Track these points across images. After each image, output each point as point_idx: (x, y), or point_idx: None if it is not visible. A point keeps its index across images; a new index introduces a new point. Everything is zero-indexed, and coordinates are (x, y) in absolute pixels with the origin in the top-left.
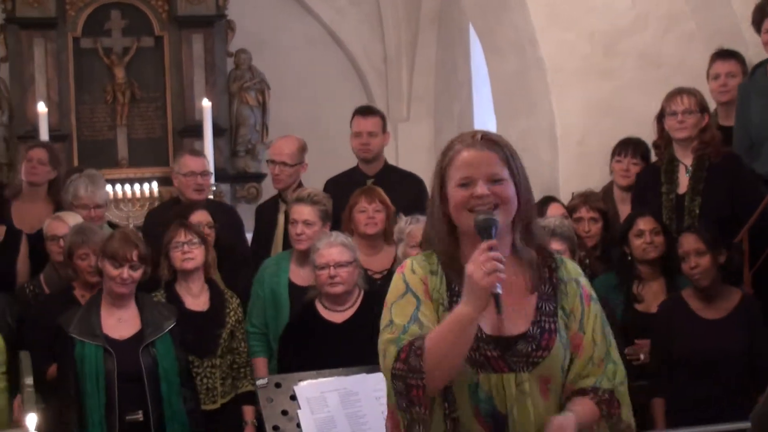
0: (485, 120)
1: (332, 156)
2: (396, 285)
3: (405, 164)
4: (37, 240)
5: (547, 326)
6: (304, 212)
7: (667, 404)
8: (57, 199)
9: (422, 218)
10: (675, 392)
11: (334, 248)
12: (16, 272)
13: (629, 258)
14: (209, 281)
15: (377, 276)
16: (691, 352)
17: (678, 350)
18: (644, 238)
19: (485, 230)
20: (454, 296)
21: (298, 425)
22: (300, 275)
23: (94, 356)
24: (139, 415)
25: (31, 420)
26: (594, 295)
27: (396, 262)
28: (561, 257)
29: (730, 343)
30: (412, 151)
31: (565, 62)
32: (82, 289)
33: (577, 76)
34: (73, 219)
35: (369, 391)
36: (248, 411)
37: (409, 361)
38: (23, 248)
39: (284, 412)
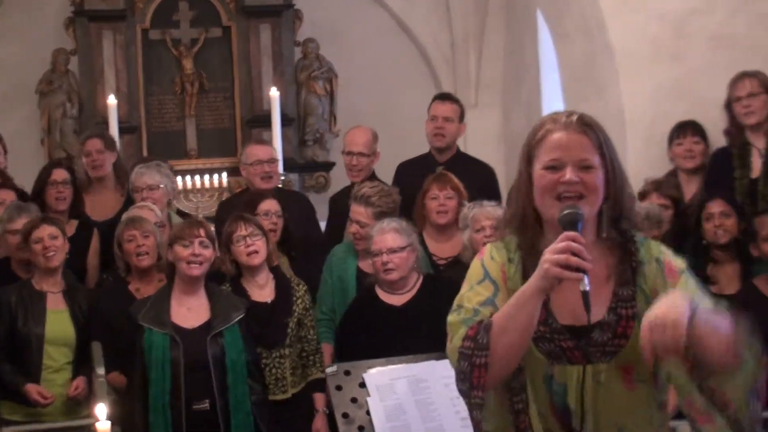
0: (553, 106)
1: (400, 144)
2: (475, 271)
3: (473, 150)
4: (112, 230)
5: (623, 312)
6: (357, 213)
7: None
8: (125, 184)
9: (486, 203)
10: None
11: (387, 234)
12: (86, 266)
13: (704, 242)
14: (274, 270)
15: (441, 262)
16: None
17: None
18: (713, 221)
19: (569, 224)
20: None
21: (368, 412)
22: (368, 263)
23: (161, 344)
24: (206, 404)
25: (101, 410)
26: (684, 267)
27: (464, 249)
28: (643, 238)
29: None
30: (480, 138)
31: (634, 46)
32: (138, 283)
33: (646, 59)
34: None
35: (438, 378)
36: (319, 398)
37: (477, 338)
38: (94, 243)
39: (353, 400)
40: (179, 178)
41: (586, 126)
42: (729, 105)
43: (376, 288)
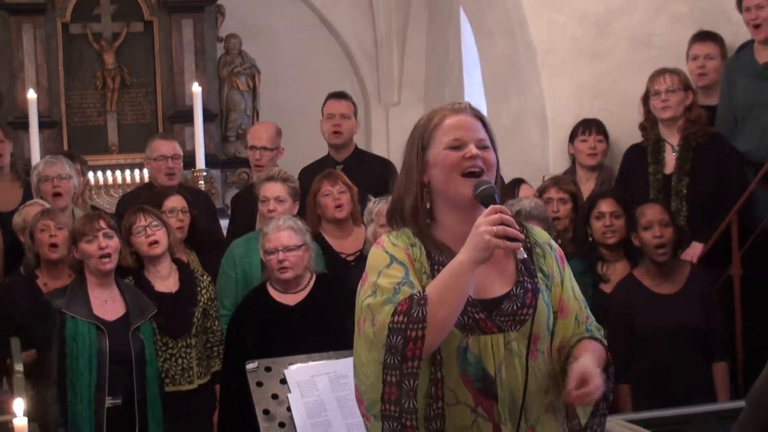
0: (476, 103)
1: (322, 141)
2: (378, 258)
3: (396, 149)
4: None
5: (529, 286)
6: (275, 189)
7: (633, 388)
8: (20, 175)
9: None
10: (639, 374)
11: (282, 232)
12: None
13: (591, 239)
14: (177, 261)
15: (350, 258)
16: (650, 330)
17: (638, 330)
18: (604, 220)
19: (489, 197)
20: (435, 264)
21: (288, 409)
22: None
23: (88, 334)
24: (119, 400)
25: (19, 405)
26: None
27: (367, 243)
28: (528, 225)
29: (688, 317)
30: (403, 135)
31: (556, 44)
32: (46, 277)
33: (568, 57)
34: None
35: None
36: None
37: (411, 312)
38: None
39: (274, 396)
40: (100, 173)
41: (476, 113)
42: (646, 99)
43: (268, 286)
